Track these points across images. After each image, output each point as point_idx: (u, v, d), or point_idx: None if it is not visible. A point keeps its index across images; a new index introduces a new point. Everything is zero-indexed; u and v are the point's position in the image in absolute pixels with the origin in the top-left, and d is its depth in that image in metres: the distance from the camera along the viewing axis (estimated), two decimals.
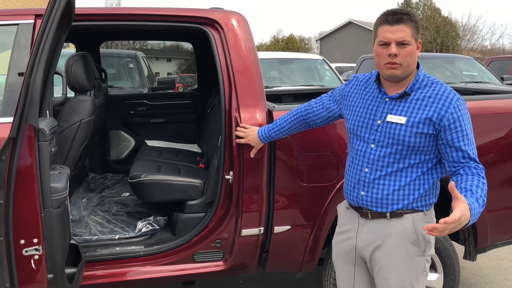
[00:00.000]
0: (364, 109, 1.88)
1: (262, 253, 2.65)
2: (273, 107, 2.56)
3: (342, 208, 2.06)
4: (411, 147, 1.76)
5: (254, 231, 2.54)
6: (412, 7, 35.48)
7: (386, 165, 1.80)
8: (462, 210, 1.48)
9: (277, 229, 2.57)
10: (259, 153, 2.45)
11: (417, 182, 1.80)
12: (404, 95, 1.79)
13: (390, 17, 1.73)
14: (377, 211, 1.85)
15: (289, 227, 2.57)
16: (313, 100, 2.27)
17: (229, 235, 2.58)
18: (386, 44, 1.74)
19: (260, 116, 2.48)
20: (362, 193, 1.86)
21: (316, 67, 7.44)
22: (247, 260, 2.64)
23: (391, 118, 1.78)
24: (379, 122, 1.81)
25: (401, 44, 1.72)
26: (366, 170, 1.84)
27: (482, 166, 1.74)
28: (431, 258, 2.61)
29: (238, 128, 2.40)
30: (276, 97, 3.99)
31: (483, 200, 1.62)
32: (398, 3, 35.57)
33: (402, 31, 1.71)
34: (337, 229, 2.07)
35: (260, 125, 2.46)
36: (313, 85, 6.76)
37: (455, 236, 2.85)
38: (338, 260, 2.06)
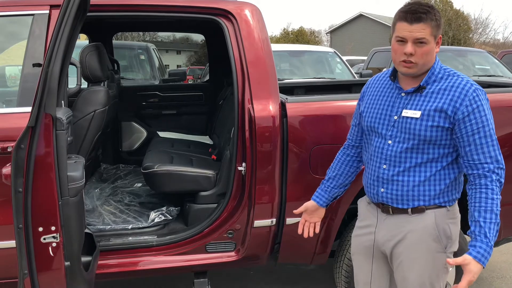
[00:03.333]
0: (381, 105, 1.86)
1: (274, 245, 2.66)
2: (286, 99, 2.56)
3: (363, 203, 2.04)
4: (427, 141, 1.73)
5: (266, 222, 2.55)
6: (424, 0, 35.04)
7: (404, 161, 1.78)
8: (469, 273, 1.62)
9: (289, 220, 2.57)
10: (272, 145, 2.45)
11: (437, 177, 1.77)
12: (419, 89, 1.76)
13: (410, 16, 1.68)
14: (398, 207, 1.83)
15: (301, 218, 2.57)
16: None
17: (241, 226, 2.59)
18: (403, 41, 1.70)
19: (273, 108, 2.48)
20: (382, 190, 1.85)
21: (327, 60, 7.41)
22: (259, 251, 2.65)
23: (406, 113, 1.76)
24: (395, 117, 1.79)
25: (418, 42, 1.69)
26: (385, 166, 1.82)
27: (499, 167, 1.70)
28: None
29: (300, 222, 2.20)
30: (288, 90, 3.98)
31: (494, 223, 1.64)
32: None
33: (421, 30, 1.67)
34: (358, 224, 2.05)
35: (272, 117, 2.46)
36: (324, 78, 6.75)
37: (467, 229, 2.83)
38: (357, 254, 2.04)
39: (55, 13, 2.35)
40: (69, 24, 1.96)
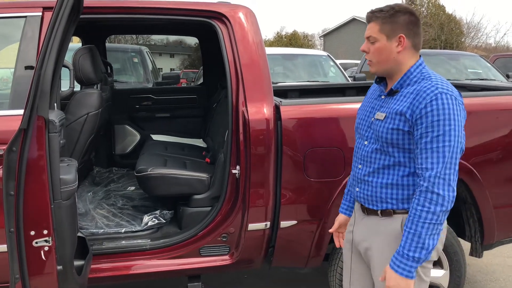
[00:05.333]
0: (367, 107, 1.89)
1: (268, 248, 2.66)
2: (280, 101, 2.56)
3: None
4: (390, 144, 1.72)
5: (260, 225, 2.54)
6: (416, 4, 35.31)
7: (373, 162, 1.79)
8: (386, 281, 1.65)
9: (284, 223, 2.57)
10: (266, 148, 2.45)
11: (405, 182, 1.73)
12: (391, 93, 1.77)
13: (366, 16, 1.80)
14: (369, 208, 1.83)
15: (295, 222, 2.57)
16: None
17: (235, 230, 2.58)
18: None
19: (267, 110, 2.48)
20: (357, 189, 1.87)
21: (321, 63, 7.43)
22: (253, 254, 2.64)
23: (377, 115, 1.78)
24: (372, 119, 1.81)
25: (370, 41, 1.76)
26: (360, 166, 1.85)
27: (436, 175, 1.58)
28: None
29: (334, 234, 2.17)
30: (282, 93, 3.98)
31: (411, 233, 1.60)
32: (402, 0, 35.50)
33: (369, 28, 1.76)
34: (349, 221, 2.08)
35: (266, 120, 2.45)
36: (318, 81, 6.76)
37: (461, 232, 2.85)
38: (343, 250, 2.07)
39: (48, 15, 2.33)
40: (62, 26, 1.95)
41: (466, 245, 2.82)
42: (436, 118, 1.60)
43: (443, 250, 2.59)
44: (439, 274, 2.64)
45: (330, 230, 2.14)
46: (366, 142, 1.83)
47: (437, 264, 2.66)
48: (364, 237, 1.87)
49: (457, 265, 2.65)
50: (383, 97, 1.82)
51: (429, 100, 1.61)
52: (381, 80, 1.86)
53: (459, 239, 2.77)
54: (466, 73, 7.92)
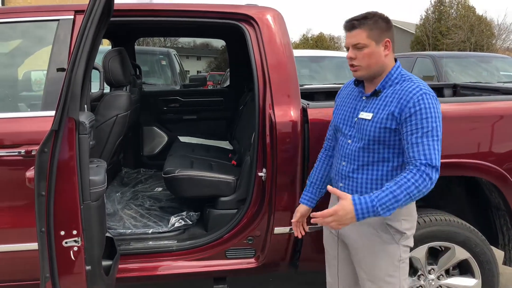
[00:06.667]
0: (347, 107, 2.00)
1: (294, 252, 2.63)
2: (307, 104, 2.53)
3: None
4: (377, 141, 1.83)
5: (286, 229, 2.53)
6: (446, 6, 34.68)
7: (357, 159, 1.89)
8: (339, 206, 1.69)
9: (309, 228, 2.53)
10: (293, 150, 2.43)
11: (389, 177, 1.84)
12: (375, 93, 1.88)
13: (346, 25, 1.88)
14: None
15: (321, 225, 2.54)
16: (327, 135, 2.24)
17: (261, 233, 2.57)
18: (348, 49, 1.88)
19: (294, 113, 2.46)
20: (341, 184, 1.96)
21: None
22: (279, 258, 2.63)
23: (362, 115, 1.90)
24: (356, 119, 1.93)
25: (357, 48, 1.83)
26: (344, 163, 1.94)
27: (430, 165, 1.70)
28: (469, 263, 2.56)
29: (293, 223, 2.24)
30: (308, 95, 3.95)
31: (393, 195, 1.67)
32: (431, 1, 34.89)
33: (356, 36, 1.83)
34: None
35: (293, 122, 2.44)
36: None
37: (494, 241, 2.76)
38: (325, 244, 2.15)
39: (80, 18, 2.38)
40: (92, 29, 1.98)
41: (499, 254, 2.74)
42: (424, 116, 1.75)
43: (475, 258, 2.53)
44: (471, 283, 2.57)
45: (292, 220, 2.21)
46: (349, 141, 1.93)
47: (469, 272, 2.59)
48: (348, 230, 1.93)
49: (490, 274, 2.57)
50: (364, 98, 1.92)
51: (416, 100, 1.76)
52: (359, 82, 1.97)
53: (492, 247, 2.69)
54: (498, 76, 7.71)
